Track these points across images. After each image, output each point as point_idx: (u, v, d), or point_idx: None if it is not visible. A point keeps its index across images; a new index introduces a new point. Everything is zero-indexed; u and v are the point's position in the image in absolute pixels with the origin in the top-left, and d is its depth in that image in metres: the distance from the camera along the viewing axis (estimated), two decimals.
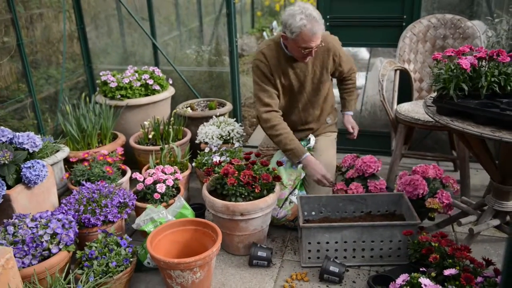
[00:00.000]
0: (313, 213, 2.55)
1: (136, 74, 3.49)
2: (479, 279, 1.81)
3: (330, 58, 2.67)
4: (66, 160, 2.91)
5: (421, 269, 1.94)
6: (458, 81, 2.01)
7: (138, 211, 2.56)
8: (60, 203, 2.51)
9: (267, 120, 2.61)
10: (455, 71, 2.04)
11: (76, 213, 2.28)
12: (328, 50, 2.65)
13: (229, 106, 3.68)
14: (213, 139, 3.11)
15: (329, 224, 2.27)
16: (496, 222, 2.31)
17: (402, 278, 1.87)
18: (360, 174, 2.58)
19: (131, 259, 2.10)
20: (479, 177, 3.21)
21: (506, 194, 2.28)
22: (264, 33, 7.65)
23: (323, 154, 2.76)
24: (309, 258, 2.32)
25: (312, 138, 2.74)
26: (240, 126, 3.29)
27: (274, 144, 2.71)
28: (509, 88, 2.02)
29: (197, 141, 3.23)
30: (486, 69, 2.05)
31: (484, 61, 2.07)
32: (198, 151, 3.11)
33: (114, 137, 3.30)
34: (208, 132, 3.15)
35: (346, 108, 2.95)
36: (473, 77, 2.04)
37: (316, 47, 2.47)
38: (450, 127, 2.01)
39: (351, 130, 2.89)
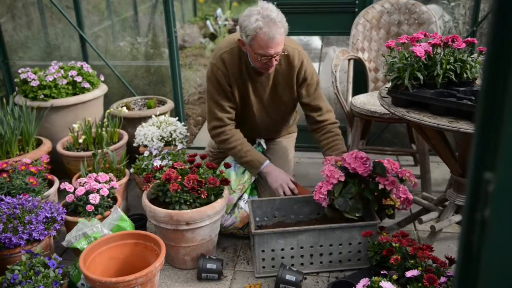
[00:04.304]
0: (266, 218, 2.57)
1: (62, 71, 3.38)
2: (443, 279, 1.89)
3: (295, 73, 2.52)
4: None
5: (382, 272, 2.00)
6: (413, 69, 2.09)
7: (69, 226, 2.49)
8: None
9: (216, 135, 2.58)
10: (409, 59, 2.12)
11: None
12: (292, 62, 2.50)
13: (170, 104, 3.65)
14: (153, 141, 3.07)
15: (284, 229, 2.29)
16: (458, 217, 2.42)
17: (362, 283, 1.92)
18: None
19: (61, 282, 2.03)
20: (440, 170, 3.34)
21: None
22: (208, 22, 7.62)
23: (282, 158, 2.79)
24: (264, 267, 2.34)
25: (262, 142, 2.75)
26: (184, 125, 3.26)
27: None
28: (465, 75, 2.12)
29: (135, 144, 3.18)
30: (442, 56, 2.14)
31: (439, 48, 2.16)
32: (137, 156, 3.05)
33: (38, 143, 3.19)
34: (147, 133, 3.10)
35: None
36: (428, 65, 2.13)
37: (276, 54, 2.32)
38: (407, 119, 2.08)
39: None
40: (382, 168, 2.32)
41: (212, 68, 2.50)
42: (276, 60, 2.38)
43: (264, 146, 2.75)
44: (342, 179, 2.30)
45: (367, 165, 2.30)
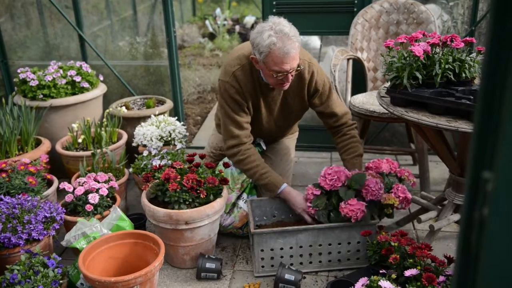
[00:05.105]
0: (265, 217, 2.57)
1: (61, 71, 3.38)
2: (441, 278, 1.89)
3: (306, 83, 2.47)
4: None
5: (381, 271, 2.00)
6: (412, 69, 2.09)
7: (68, 225, 2.48)
8: None
9: (232, 155, 2.51)
10: (408, 59, 2.12)
11: None
12: (303, 74, 2.43)
13: (169, 104, 3.65)
14: (152, 141, 3.07)
15: (283, 228, 2.29)
16: (457, 217, 2.42)
17: (361, 283, 1.92)
18: None
19: (60, 281, 2.03)
20: (439, 170, 3.35)
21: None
22: (207, 22, 7.62)
23: (283, 158, 2.79)
24: (263, 266, 2.34)
25: (262, 143, 2.75)
26: (183, 125, 3.26)
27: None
28: (464, 75, 2.12)
29: (134, 144, 3.18)
30: (440, 56, 2.14)
31: (437, 47, 2.16)
32: (136, 155, 3.05)
33: (38, 143, 3.19)
34: (146, 133, 3.10)
35: (348, 169, 2.49)
36: (427, 64, 2.13)
37: (292, 70, 2.25)
38: (405, 119, 2.08)
39: None
40: (358, 182, 2.29)
41: (225, 86, 2.41)
42: (292, 75, 2.30)
43: (264, 147, 2.74)
44: (317, 193, 2.35)
45: (333, 180, 2.30)
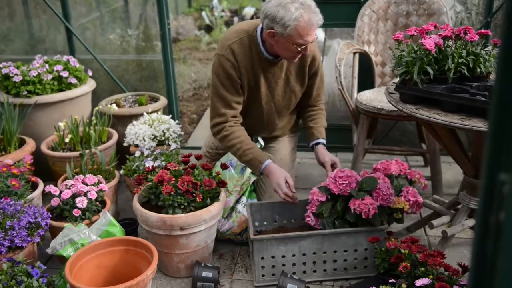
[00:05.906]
0: (266, 222, 2.57)
1: (47, 65, 3.38)
2: None
3: (307, 64, 2.59)
4: None
5: (390, 280, 2.00)
6: (422, 64, 2.09)
7: (54, 232, 2.48)
8: None
9: (217, 132, 2.54)
10: (418, 52, 2.12)
11: None
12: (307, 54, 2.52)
13: (163, 101, 3.65)
14: (144, 140, 3.07)
15: (285, 234, 2.29)
16: (472, 222, 2.41)
17: None
18: None
19: None
20: (452, 171, 3.34)
21: None
22: (203, 13, 7.63)
23: (284, 158, 2.79)
24: (263, 275, 2.34)
25: (260, 140, 2.75)
26: (177, 124, 3.26)
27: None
28: (478, 70, 2.12)
29: (125, 144, 3.18)
30: (453, 49, 2.14)
31: (450, 40, 2.16)
32: (127, 156, 3.05)
33: (21, 143, 3.19)
34: (138, 132, 3.10)
35: (315, 136, 2.72)
36: (438, 59, 2.13)
37: (312, 41, 2.38)
38: (416, 117, 2.08)
39: (329, 168, 2.55)
40: (369, 184, 2.29)
41: (219, 60, 2.46)
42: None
43: (262, 143, 2.74)
44: (323, 199, 2.33)
45: (344, 184, 2.29)
